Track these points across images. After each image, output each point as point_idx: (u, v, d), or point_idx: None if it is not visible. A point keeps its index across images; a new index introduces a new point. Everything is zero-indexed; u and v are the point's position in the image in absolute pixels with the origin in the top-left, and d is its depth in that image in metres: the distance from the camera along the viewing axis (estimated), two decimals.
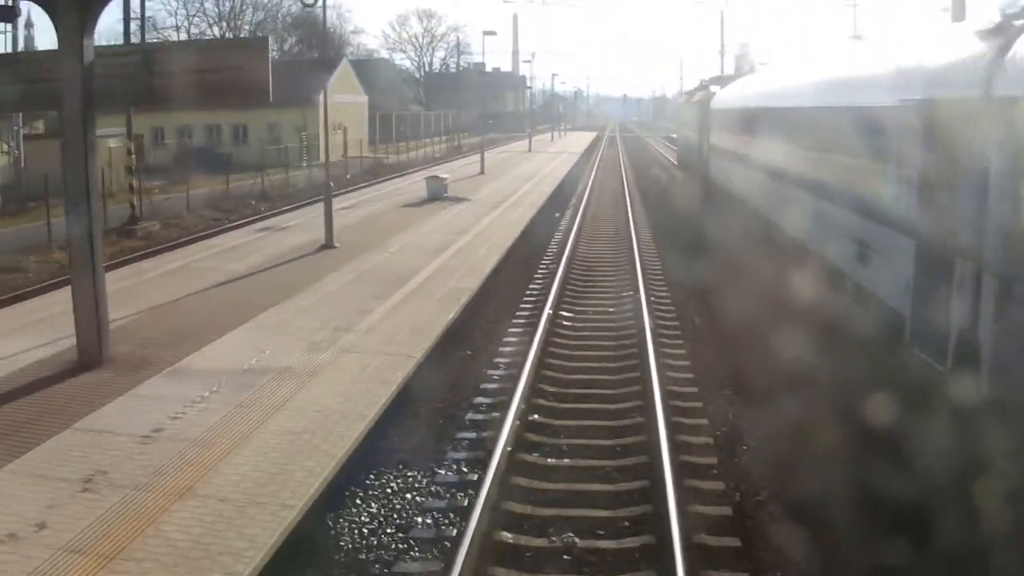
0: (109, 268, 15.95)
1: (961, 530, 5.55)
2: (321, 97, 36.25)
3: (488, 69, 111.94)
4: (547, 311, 12.53)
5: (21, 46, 36.40)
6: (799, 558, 6.04)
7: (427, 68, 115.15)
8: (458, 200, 25.19)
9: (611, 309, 13.58)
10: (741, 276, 13.61)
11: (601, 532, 6.52)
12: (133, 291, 13.38)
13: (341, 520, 6.61)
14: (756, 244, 15.45)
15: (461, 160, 46.88)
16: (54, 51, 9.51)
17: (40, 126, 41.45)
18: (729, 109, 22.68)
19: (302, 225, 20.70)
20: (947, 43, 8.87)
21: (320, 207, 23.50)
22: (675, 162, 44.88)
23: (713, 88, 29.08)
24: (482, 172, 34.61)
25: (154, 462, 6.88)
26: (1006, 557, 5.25)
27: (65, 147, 9.21)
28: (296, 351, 9.75)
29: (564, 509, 6.80)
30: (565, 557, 6.21)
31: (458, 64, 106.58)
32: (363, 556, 6.22)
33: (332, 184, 18.78)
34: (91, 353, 9.27)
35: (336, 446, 7.13)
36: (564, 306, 13.43)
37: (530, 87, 78.22)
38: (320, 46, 64.78)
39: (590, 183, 34.92)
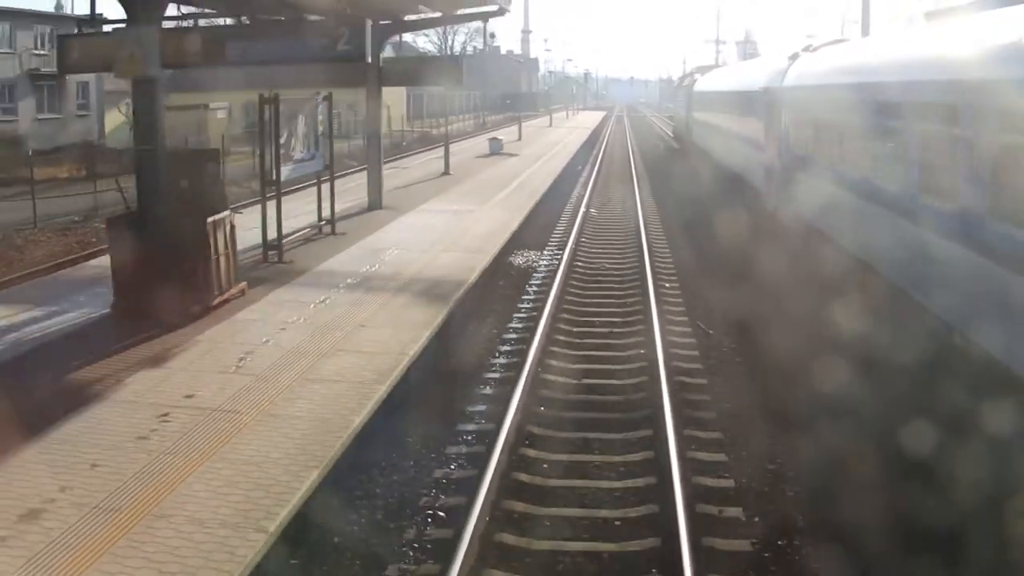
0: (296, 191, 26.42)
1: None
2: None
3: (503, 52, 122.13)
4: (586, 198, 23.20)
5: None
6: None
7: (449, 51, 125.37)
8: (511, 155, 35.72)
9: (619, 205, 24.19)
10: (695, 186, 24.21)
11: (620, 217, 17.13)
12: (349, 192, 23.85)
13: (517, 243, 17.13)
14: (708, 173, 26.09)
15: (492, 132, 57.23)
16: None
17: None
18: (702, 92, 33.16)
19: (415, 167, 31.27)
20: (780, 60, 19.38)
21: (414, 158, 34.09)
22: (671, 134, 55.33)
23: (696, 76, 39.51)
24: (520, 139, 45.12)
25: (440, 230, 17.42)
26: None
27: (368, 105, 19.72)
28: (470, 205, 20.39)
29: (608, 229, 17.42)
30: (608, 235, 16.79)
31: (485, 45, 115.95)
32: (520, 258, 16.75)
33: (402, 146, 29.31)
34: (376, 203, 19.89)
35: (509, 228, 17.73)
36: (594, 196, 24.11)
37: (551, 71, 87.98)
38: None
39: (603, 147, 45.66)
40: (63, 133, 46.36)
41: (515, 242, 17.20)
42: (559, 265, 15.20)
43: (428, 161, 32.51)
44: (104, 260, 15.58)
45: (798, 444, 7.56)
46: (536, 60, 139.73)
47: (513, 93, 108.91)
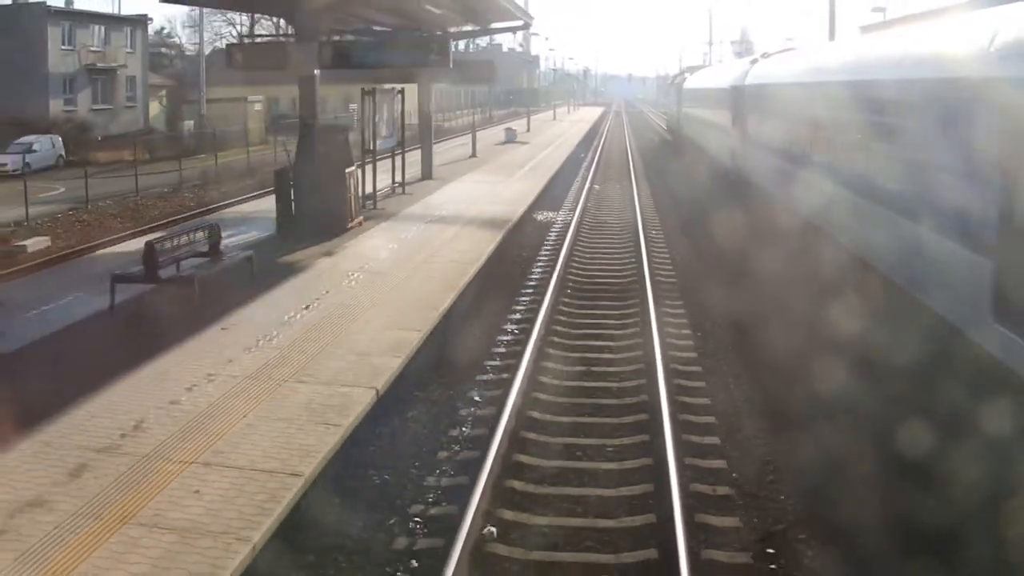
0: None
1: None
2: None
3: (504, 50, 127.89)
4: (588, 181, 28.89)
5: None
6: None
7: (453, 50, 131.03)
8: (523, 143, 41.42)
9: (617, 183, 29.88)
10: (681, 169, 29.90)
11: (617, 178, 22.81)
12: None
13: (540, 203, 22.78)
14: (692, 158, 31.83)
15: (502, 125, 62.95)
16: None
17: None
18: (689, 89, 38.84)
19: (442, 152, 36.88)
20: (744, 63, 25.11)
21: (436, 146, 39.58)
22: (665, 127, 61.06)
23: (686, 75, 45.17)
24: (528, 130, 50.85)
25: (482, 192, 23.05)
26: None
27: (420, 98, 25.31)
28: (499, 177, 26.07)
29: (610, 178, 23.10)
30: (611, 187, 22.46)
31: (490, 43, 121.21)
32: (544, 213, 22.43)
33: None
34: (428, 174, 25.58)
35: (533, 193, 23.40)
36: (593, 180, 29.79)
37: (555, 69, 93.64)
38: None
39: (603, 138, 51.39)
40: (114, 122, 51.95)
41: (539, 202, 22.85)
42: (573, 216, 20.83)
43: (453, 148, 38.13)
44: (231, 210, 21.28)
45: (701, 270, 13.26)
46: (537, 57, 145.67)
47: (516, 89, 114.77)
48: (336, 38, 18.00)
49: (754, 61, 23.90)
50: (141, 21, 57.62)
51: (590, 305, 13.05)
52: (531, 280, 14.37)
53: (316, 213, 16.09)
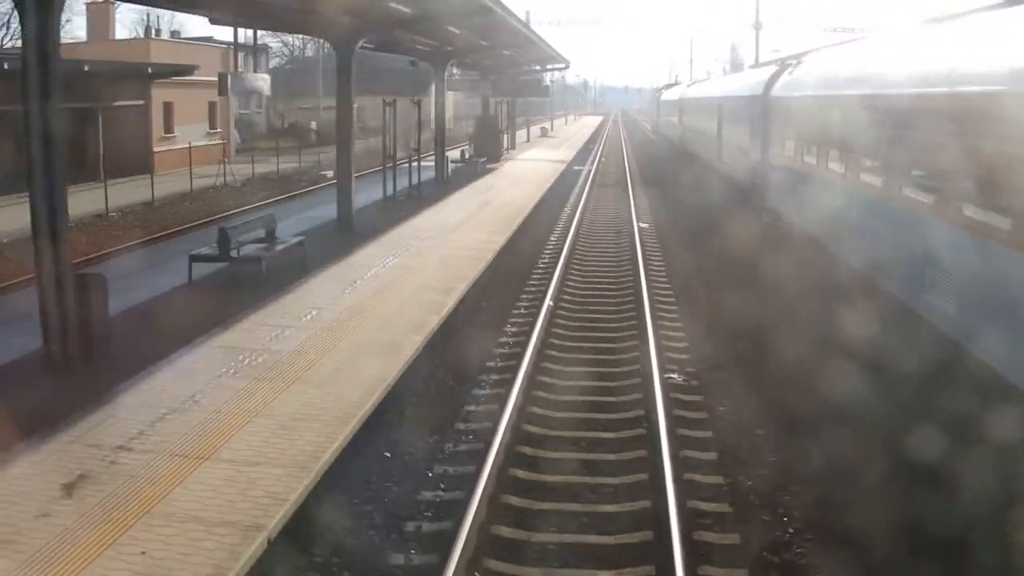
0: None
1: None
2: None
3: None
4: (598, 154, 52.22)
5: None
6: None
7: None
8: (552, 137, 64.64)
9: (615, 157, 53.09)
10: (659, 151, 53.19)
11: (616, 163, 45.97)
12: None
13: (576, 160, 45.94)
14: (662, 143, 55.31)
15: (524, 129, 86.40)
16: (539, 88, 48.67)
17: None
18: (662, 100, 62.20)
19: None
20: (684, 86, 48.70)
21: None
22: (651, 128, 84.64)
23: (663, 91, 68.66)
24: (551, 129, 74.32)
25: (546, 154, 46.10)
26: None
27: (508, 107, 48.43)
28: (550, 149, 49.36)
29: (611, 159, 46.30)
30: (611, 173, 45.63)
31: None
32: (577, 165, 45.61)
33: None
34: (512, 146, 48.68)
35: (571, 156, 46.49)
36: (601, 155, 53.15)
37: (567, 84, 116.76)
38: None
39: (605, 137, 74.94)
40: (251, 123, 74.70)
41: (574, 161, 45.82)
42: (594, 166, 43.82)
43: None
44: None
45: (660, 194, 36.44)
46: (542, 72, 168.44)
47: (524, 100, 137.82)
48: (493, 78, 41.00)
49: (690, 85, 47.36)
50: (264, 48, 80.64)
51: (606, 187, 36.08)
52: (580, 179, 37.37)
53: (489, 152, 39.03)
